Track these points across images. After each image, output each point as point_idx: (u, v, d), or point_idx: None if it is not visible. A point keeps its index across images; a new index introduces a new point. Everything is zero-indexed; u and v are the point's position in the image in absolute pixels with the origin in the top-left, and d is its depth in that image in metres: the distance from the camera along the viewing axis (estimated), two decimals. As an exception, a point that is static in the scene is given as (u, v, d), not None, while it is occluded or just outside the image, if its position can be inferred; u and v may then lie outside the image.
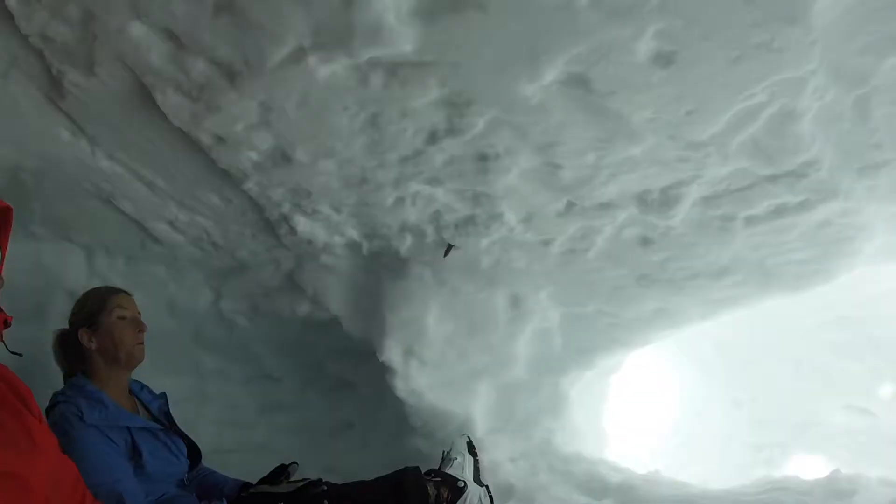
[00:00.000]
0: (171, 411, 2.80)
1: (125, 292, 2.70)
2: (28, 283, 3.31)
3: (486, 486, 2.93)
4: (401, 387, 3.51)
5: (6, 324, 1.94)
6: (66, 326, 2.62)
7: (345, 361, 4.06)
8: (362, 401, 4.00)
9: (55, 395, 2.45)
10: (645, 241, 3.29)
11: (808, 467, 5.09)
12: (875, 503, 2.70)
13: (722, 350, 6.10)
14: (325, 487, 2.57)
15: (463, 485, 2.72)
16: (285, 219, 3.28)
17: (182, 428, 2.77)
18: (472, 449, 3.21)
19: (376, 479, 2.70)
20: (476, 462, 3.13)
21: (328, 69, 2.35)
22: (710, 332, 5.41)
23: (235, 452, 3.36)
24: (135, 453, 2.35)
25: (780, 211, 3.08)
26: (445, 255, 3.33)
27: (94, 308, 2.58)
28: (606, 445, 4.36)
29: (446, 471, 2.86)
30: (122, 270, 3.85)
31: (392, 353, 3.47)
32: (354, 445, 3.50)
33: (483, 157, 2.78)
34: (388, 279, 3.58)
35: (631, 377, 4.96)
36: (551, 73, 2.35)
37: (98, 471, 2.14)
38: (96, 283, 3.71)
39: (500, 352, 3.68)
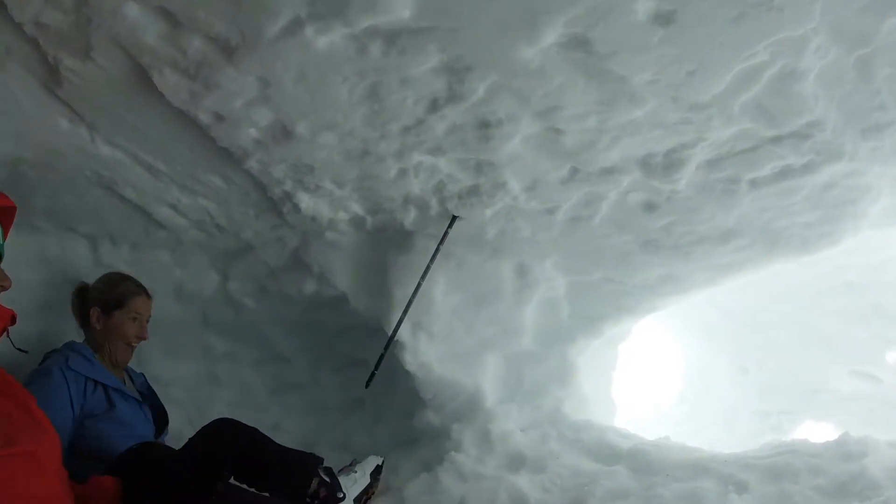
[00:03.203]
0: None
1: (148, 296, 3.12)
2: (33, 276, 3.30)
3: None
4: (410, 360, 3.51)
5: (13, 320, 2.05)
6: (90, 283, 3.09)
7: (354, 338, 4.05)
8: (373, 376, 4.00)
9: (48, 353, 2.86)
10: (650, 206, 3.28)
11: (816, 433, 5.11)
12: (885, 465, 2.70)
13: (728, 318, 6.10)
14: None
15: (342, 496, 2.79)
16: (288, 196, 3.27)
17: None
18: (376, 474, 3.22)
19: (282, 450, 2.81)
20: (369, 486, 3.14)
21: (326, 39, 2.33)
22: (716, 299, 5.43)
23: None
24: (109, 404, 2.77)
25: (784, 173, 3.07)
26: (367, 384, 3.30)
27: (116, 300, 2.99)
28: (615, 414, 4.37)
29: (340, 477, 2.92)
30: (126, 258, 3.83)
31: (400, 327, 3.47)
32: (367, 421, 3.51)
33: (485, 124, 2.76)
34: (394, 253, 3.57)
35: (638, 346, 4.98)
36: (550, 36, 2.33)
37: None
38: (102, 274, 3.72)
39: (508, 322, 3.69)
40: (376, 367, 3.32)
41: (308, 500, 2.72)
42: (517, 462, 3.18)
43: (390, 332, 3.39)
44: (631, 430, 3.67)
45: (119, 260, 3.81)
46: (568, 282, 3.75)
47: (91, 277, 3.64)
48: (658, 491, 2.71)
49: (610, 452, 3.21)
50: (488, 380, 3.60)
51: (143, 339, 3.08)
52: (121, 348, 2.99)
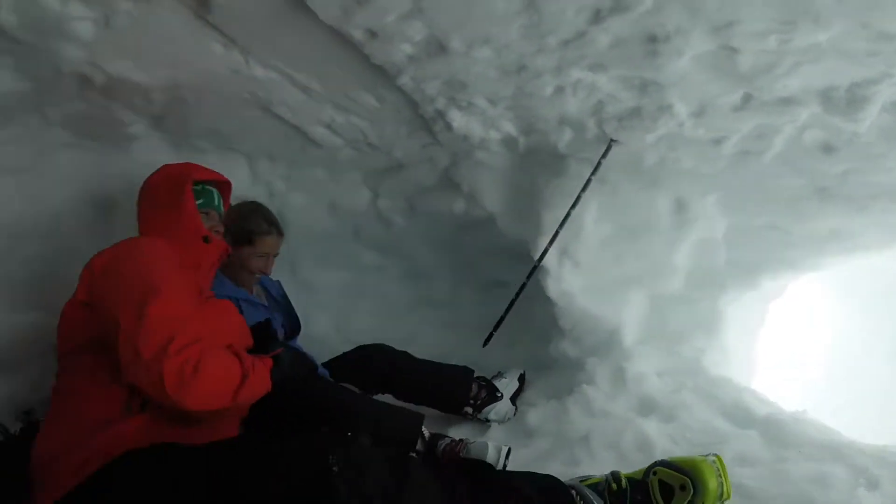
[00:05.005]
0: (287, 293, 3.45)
1: (279, 233, 3.19)
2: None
3: (516, 407, 3.32)
4: (553, 287, 3.45)
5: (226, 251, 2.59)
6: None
7: (499, 260, 4.06)
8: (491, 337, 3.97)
9: None
10: (827, 148, 3.00)
11: None
12: None
13: (893, 291, 5.54)
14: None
15: (500, 395, 3.27)
16: (440, 115, 3.25)
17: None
18: (522, 380, 3.47)
19: (435, 364, 3.31)
20: (519, 390, 3.41)
21: (481, -56, 2.24)
22: (884, 268, 4.94)
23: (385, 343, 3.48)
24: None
25: None
26: (485, 344, 3.44)
27: (247, 236, 3.06)
28: (754, 375, 4.12)
29: (494, 382, 3.33)
30: (283, 174, 4.00)
31: (546, 253, 3.38)
32: (501, 343, 3.49)
33: (652, 39, 2.57)
34: (545, 176, 3.49)
35: (791, 307, 4.63)
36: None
37: None
38: (260, 190, 3.91)
39: (658, 260, 3.52)
40: (495, 328, 3.39)
41: (472, 401, 3.22)
42: (648, 406, 3.09)
43: (536, 258, 3.36)
44: (769, 396, 3.44)
45: (276, 176, 3.99)
46: (728, 223, 3.53)
47: (250, 192, 3.83)
48: (787, 466, 2.56)
49: (745, 415, 3.02)
50: (630, 317, 3.48)
51: (266, 274, 3.17)
52: (243, 277, 3.09)
